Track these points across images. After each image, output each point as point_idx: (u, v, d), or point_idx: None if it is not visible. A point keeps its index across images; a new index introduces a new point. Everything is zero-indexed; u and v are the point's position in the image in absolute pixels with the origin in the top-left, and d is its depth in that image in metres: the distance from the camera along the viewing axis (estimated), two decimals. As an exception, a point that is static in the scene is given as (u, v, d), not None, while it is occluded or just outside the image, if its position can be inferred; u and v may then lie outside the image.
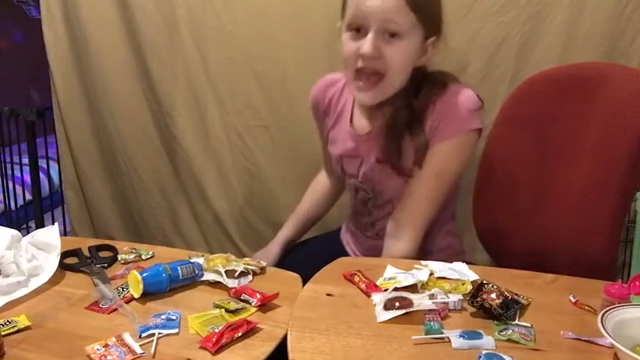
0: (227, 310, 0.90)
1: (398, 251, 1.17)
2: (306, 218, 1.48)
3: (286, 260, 1.39)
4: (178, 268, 0.99)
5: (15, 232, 1.12)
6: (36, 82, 3.78)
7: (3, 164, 2.51)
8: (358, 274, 1.00)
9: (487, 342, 0.80)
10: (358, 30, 1.10)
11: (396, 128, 1.16)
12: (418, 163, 1.15)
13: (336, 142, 1.31)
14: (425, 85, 1.16)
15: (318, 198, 1.50)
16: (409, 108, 1.15)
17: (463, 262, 1.06)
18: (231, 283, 1.00)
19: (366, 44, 1.08)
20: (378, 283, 0.98)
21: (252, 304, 0.92)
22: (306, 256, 1.40)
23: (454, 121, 1.12)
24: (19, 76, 3.84)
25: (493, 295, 0.89)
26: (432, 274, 1.01)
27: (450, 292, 0.94)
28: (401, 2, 1.06)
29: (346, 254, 1.38)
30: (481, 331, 0.82)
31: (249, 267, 1.05)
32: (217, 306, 0.92)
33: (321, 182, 1.52)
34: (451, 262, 1.06)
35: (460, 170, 1.19)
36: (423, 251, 1.21)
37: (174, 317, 0.88)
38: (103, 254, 1.15)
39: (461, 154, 1.16)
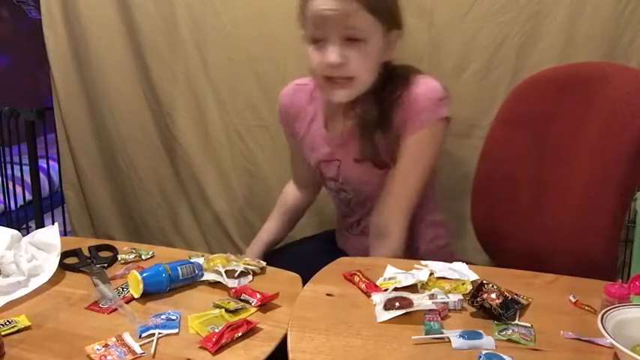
0: (227, 310, 0.90)
1: (386, 249, 1.17)
2: (269, 242, 1.46)
3: (283, 260, 1.40)
4: (178, 268, 0.99)
5: (15, 232, 1.12)
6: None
7: (3, 164, 2.51)
8: (358, 274, 1.00)
9: (487, 342, 0.80)
10: (321, 40, 1.11)
11: (367, 126, 1.17)
12: (392, 157, 1.16)
13: (311, 148, 1.31)
14: (390, 80, 1.16)
15: (285, 218, 1.47)
16: (378, 104, 1.15)
17: (451, 252, 1.05)
18: (231, 283, 1.00)
19: (331, 55, 1.08)
20: (378, 283, 0.98)
21: (252, 304, 0.92)
22: (304, 255, 1.40)
23: (421, 112, 1.12)
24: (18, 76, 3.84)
25: (493, 295, 0.89)
26: (432, 274, 1.01)
27: (450, 292, 0.94)
28: (357, 6, 1.06)
29: (342, 253, 1.38)
30: (481, 331, 0.82)
31: (249, 267, 1.05)
32: (217, 306, 0.92)
33: (290, 193, 1.49)
34: (439, 252, 1.05)
35: (433, 161, 1.19)
36: (411, 246, 1.22)
37: (174, 317, 0.88)
38: (103, 254, 1.15)
39: (432, 145, 1.16)
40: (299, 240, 1.52)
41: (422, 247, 1.28)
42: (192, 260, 1.05)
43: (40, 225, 2.30)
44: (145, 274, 0.96)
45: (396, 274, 1.00)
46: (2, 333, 0.83)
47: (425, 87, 1.13)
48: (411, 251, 1.21)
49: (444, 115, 1.14)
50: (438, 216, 1.34)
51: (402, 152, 1.15)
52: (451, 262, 1.05)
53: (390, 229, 1.18)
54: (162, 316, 0.89)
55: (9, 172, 2.52)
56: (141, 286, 0.95)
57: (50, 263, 1.04)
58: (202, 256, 1.11)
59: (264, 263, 1.09)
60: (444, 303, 0.89)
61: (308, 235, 1.56)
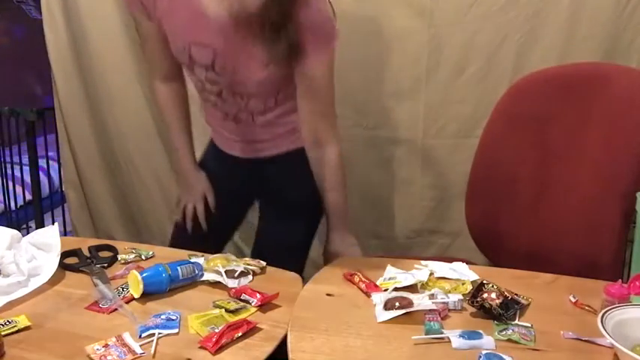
0: (227, 310, 0.90)
1: (330, 154, 1.22)
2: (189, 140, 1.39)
3: None
4: (178, 268, 0.99)
5: (15, 232, 1.12)
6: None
7: (3, 164, 2.51)
8: (358, 274, 1.00)
9: (487, 342, 0.80)
10: None
11: (270, 24, 1.08)
12: (290, 57, 1.12)
13: (180, 27, 1.16)
14: None
15: (185, 122, 1.37)
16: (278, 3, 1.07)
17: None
18: (231, 283, 1.00)
19: None
20: (378, 283, 0.98)
21: (252, 304, 0.92)
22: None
23: (323, 41, 1.12)
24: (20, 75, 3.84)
25: (493, 295, 0.89)
26: (432, 274, 1.01)
27: (450, 292, 0.94)
28: None
29: (232, 157, 1.36)
30: (481, 331, 0.82)
31: (249, 267, 1.05)
32: (217, 306, 0.92)
33: (166, 97, 1.35)
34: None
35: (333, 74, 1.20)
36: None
37: (174, 317, 0.88)
38: (103, 254, 1.15)
39: (332, 63, 1.17)
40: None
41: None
42: (192, 260, 1.05)
43: (40, 225, 2.30)
44: (145, 274, 0.96)
45: (396, 274, 1.00)
46: (2, 333, 0.83)
47: (322, 14, 1.10)
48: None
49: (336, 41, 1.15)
50: None
51: (311, 71, 1.15)
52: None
53: (326, 138, 1.21)
54: (162, 316, 0.89)
55: (9, 172, 2.52)
56: (141, 286, 0.95)
57: (50, 263, 1.04)
58: (202, 256, 1.11)
59: (264, 263, 1.09)
60: (444, 303, 0.89)
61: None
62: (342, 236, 1.28)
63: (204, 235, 1.38)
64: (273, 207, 1.37)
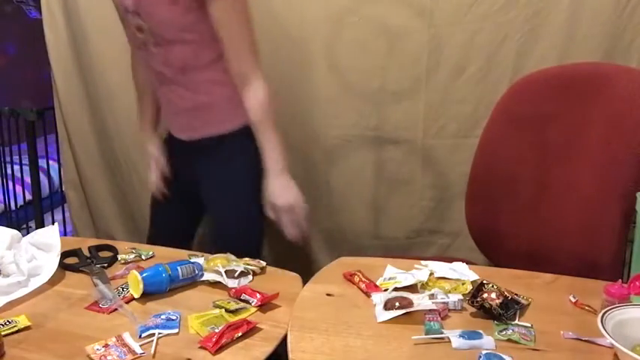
0: (227, 310, 0.90)
1: (257, 90, 1.23)
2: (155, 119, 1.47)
3: None
4: (178, 268, 0.99)
5: (15, 232, 1.12)
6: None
7: (3, 164, 2.51)
8: (358, 274, 1.00)
9: (487, 342, 0.80)
10: None
11: None
12: None
13: None
14: None
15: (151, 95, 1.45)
16: None
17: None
18: (231, 283, 1.00)
19: None
20: (378, 283, 0.98)
21: (252, 304, 0.92)
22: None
23: None
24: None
25: (493, 295, 0.89)
26: (432, 274, 1.01)
27: (450, 292, 0.94)
28: None
29: (176, 139, 1.38)
30: (481, 331, 0.82)
31: (249, 267, 1.05)
32: (217, 306, 0.92)
33: (138, 59, 1.44)
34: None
35: (249, 16, 1.22)
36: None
37: (174, 317, 0.88)
38: (103, 254, 1.15)
39: (241, 5, 1.21)
40: None
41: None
42: (192, 260, 1.05)
43: (40, 225, 2.30)
44: (145, 274, 0.96)
45: (396, 274, 1.00)
46: (2, 333, 0.83)
47: None
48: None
49: None
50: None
51: (219, 12, 1.18)
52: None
53: (250, 75, 1.23)
54: (162, 316, 0.89)
55: (9, 172, 2.53)
56: (141, 286, 0.95)
57: (50, 263, 1.04)
58: (202, 256, 1.11)
59: (263, 263, 1.09)
60: (444, 303, 0.89)
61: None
62: (276, 180, 1.25)
63: (165, 225, 1.47)
64: (211, 194, 1.35)
